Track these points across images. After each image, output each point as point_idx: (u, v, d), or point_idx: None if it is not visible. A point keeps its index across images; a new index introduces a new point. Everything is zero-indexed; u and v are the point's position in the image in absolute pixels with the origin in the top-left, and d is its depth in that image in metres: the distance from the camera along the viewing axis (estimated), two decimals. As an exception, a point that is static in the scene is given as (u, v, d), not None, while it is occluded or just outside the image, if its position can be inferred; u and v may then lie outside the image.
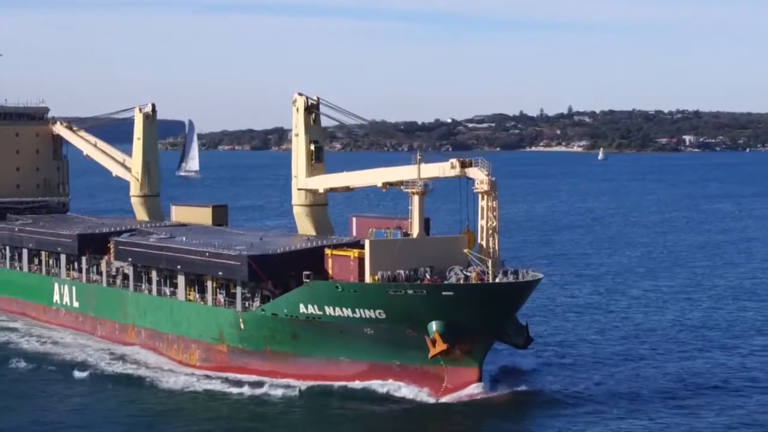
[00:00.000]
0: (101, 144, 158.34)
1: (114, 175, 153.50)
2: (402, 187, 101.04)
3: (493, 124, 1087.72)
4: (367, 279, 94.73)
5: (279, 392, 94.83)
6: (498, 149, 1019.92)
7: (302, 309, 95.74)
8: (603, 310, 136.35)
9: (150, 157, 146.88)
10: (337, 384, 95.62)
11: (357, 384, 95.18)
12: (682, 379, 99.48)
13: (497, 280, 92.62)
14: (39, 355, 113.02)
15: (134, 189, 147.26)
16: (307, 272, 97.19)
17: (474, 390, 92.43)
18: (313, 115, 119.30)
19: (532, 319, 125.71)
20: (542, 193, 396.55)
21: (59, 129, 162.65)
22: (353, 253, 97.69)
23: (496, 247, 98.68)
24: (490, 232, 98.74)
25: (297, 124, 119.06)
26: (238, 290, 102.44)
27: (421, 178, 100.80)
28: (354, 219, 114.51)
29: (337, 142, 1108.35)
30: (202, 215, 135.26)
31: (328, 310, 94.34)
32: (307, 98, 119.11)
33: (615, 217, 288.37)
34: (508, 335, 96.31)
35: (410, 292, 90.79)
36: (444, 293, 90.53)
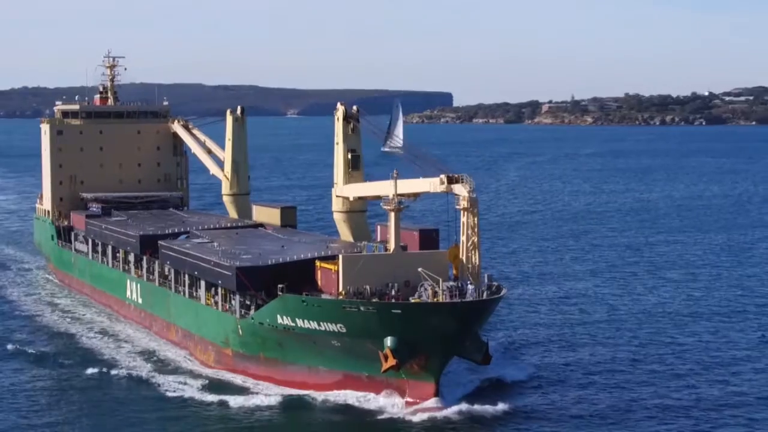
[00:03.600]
0: (209, 143, 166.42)
1: (211, 173, 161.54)
2: (381, 203, 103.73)
3: (752, 97, 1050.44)
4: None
5: (258, 401, 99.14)
6: (753, 123, 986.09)
7: (279, 320, 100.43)
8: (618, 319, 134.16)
9: (239, 158, 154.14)
10: (314, 393, 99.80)
11: (332, 393, 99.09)
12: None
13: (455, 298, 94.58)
14: (80, 348, 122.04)
15: (225, 188, 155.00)
16: (281, 285, 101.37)
17: (431, 404, 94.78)
18: (351, 124, 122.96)
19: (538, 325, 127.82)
20: (725, 174, 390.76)
21: (176, 127, 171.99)
22: (335, 266, 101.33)
23: (477, 263, 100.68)
24: (471, 247, 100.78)
25: (337, 133, 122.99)
26: (237, 298, 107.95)
27: (399, 194, 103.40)
28: (379, 227, 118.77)
29: (588, 116, 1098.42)
30: (273, 215, 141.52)
31: (299, 322, 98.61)
32: (346, 108, 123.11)
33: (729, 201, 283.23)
34: (467, 351, 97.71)
35: (362, 309, 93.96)
36: (393, 311, 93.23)
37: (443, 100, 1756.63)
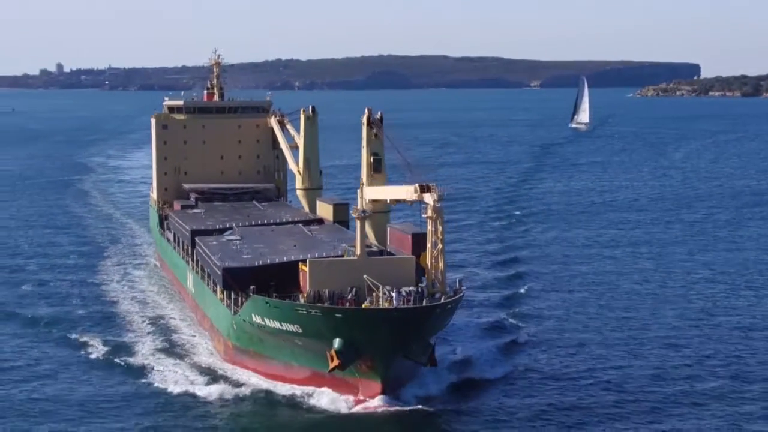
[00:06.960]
0: (297, 138, 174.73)
1: (289, 168, 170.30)
2: (351, 211, 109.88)
3: None
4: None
5: (237, 391, 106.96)
6: None
7: (254, 319, 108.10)
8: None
9: (310, 155, 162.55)
10: (289, 386, 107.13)
11: (303, 387, 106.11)
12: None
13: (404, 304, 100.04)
14: (115, 327, 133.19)
15: (298, 183, 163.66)
16: (252, 286, 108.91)
17: (378, 402, 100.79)
18: (374, 129, 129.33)
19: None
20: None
21: (272, 122, 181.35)
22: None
23: (442, 269, 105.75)
24: (436, 254, 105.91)
25: (363, 137, 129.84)
26: (231, 295, 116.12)
27: (367, 202, 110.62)
28: (389, 229, 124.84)
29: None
30: (329, 212, 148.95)
31: (267, 322, 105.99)
32: (369, 113, 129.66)
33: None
34: (412, 353, 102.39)
35: (312, 312, 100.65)
36: (336, 315, 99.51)
37: (690, 71, 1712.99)
